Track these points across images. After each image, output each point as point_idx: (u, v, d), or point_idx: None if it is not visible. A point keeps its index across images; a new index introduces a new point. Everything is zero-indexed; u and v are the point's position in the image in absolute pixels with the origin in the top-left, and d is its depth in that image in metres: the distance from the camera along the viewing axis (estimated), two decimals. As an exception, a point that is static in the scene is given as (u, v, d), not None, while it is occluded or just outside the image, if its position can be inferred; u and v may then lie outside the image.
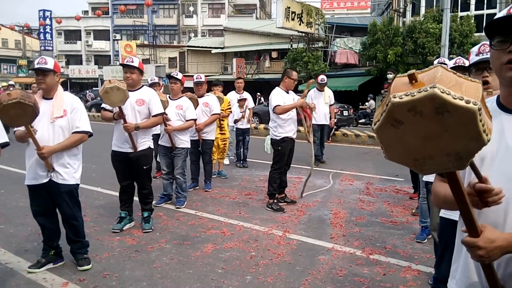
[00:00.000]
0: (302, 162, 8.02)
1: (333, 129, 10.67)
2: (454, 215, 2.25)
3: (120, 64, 4.83)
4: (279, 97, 5.25)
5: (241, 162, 8.30)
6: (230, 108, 7.43)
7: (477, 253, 1.15)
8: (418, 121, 0.93)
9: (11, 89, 11.71)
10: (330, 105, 8.56)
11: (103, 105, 4.45)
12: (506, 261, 1.22)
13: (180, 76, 5.43)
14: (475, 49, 2.30)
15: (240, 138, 8.18)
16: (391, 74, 11.26)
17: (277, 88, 5.41)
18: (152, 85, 6.70)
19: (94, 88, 29.26)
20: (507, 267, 1.24)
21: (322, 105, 8.28)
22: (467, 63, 3.51)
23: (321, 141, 8.59)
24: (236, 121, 7.95)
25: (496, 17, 1.27)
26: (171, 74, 5.46)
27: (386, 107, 0.95)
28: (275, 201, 5.37)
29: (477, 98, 0.91)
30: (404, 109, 0.93)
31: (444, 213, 2.43)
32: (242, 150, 8.30)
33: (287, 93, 5.34)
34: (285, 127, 5.27)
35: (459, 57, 3.76)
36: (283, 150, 5.31)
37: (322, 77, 8.59)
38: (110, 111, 4.37)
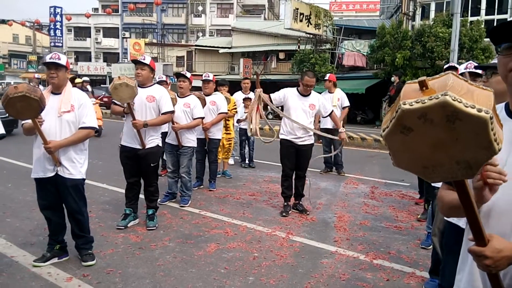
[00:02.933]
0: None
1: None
2: (460, 220, 2.24)
3: (132, 61, 4.91)
4: (280, 92, 5.18)
5: (247, 162, 8.28)
6: (236, 108, 7.43)
7: (483, 262, 1.14)
8: (428, 128, 0.92)
9: (87, 86, 11.86)
10: (343, 108, 7.72)
11: (113, 99, 4.51)
12: None
13: (189, 74, 5.46)
14: None
15: (243, 138, 8.16)
16: (394, 77, 11.12)
17: (291, 89, 5.24)
18: (160, 83, 6.73)
19: (102, 85, 29.40)
20: None
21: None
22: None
23: (334, 148, 7.70)
24: (239, 121, 7.92)
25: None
26: (180, 72, 5.49)
27: (395, 114, 0.94)
28: (285, 203, 5.28)
29: (489, 106, 0.90)
30: (414, 116, 0.91)
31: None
32: (248, 150, 8.28)
33: (304, 96, 5.11)
34: (284, 128, 5.17)
35: (470, 61, 3.72)
36: (281, 151, 5.22)
37: (328, 75, 8.00)
38: (121, 106, 4.41)
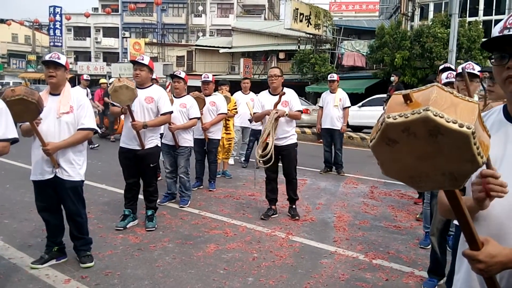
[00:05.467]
0: (307, 165, 8.01)
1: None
2: None
3: (131, 61, 4.91)
4: (256, 104, 5.09)
5: (245, 162, 8.27)
6: (236, 108, 7.43)
7: (476, 266, 1.15)
8: (412, 141, 0.93)
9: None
10: (344, 108, 7.71)
11: (112, 101, 4.50)
12: (509, 273, 1.21)
13: (183, 74, 5.44)
14: None
15: (251, 138, 8.14)
16: (393, 76, 11.14)
17: (262, 92, 5.13)
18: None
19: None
20: (510, 279, 1.23)
21: (330, 108, 7.60)
22: (476, 69, 3.48)
23: (335, 147, 7.77)
24: (251, 121, 7.86)
25: (492, 34, 1.28)
26: (174, 73, 5.49)
27: (380, 126, 0.96)
28: (269, 207, 5.09)
29: (472, 120, 0.91)
30: (398, 130, 0.93)
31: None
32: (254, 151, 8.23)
33: (274, 95, 4.89)
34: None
35: (469, 62, 3.70)
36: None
37: (330, 74, 7.99)
38: (119, 106, 4.41)
